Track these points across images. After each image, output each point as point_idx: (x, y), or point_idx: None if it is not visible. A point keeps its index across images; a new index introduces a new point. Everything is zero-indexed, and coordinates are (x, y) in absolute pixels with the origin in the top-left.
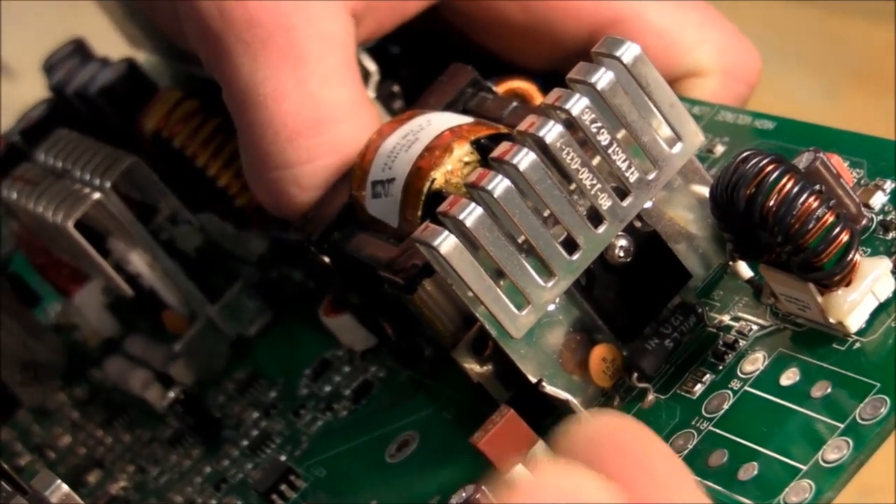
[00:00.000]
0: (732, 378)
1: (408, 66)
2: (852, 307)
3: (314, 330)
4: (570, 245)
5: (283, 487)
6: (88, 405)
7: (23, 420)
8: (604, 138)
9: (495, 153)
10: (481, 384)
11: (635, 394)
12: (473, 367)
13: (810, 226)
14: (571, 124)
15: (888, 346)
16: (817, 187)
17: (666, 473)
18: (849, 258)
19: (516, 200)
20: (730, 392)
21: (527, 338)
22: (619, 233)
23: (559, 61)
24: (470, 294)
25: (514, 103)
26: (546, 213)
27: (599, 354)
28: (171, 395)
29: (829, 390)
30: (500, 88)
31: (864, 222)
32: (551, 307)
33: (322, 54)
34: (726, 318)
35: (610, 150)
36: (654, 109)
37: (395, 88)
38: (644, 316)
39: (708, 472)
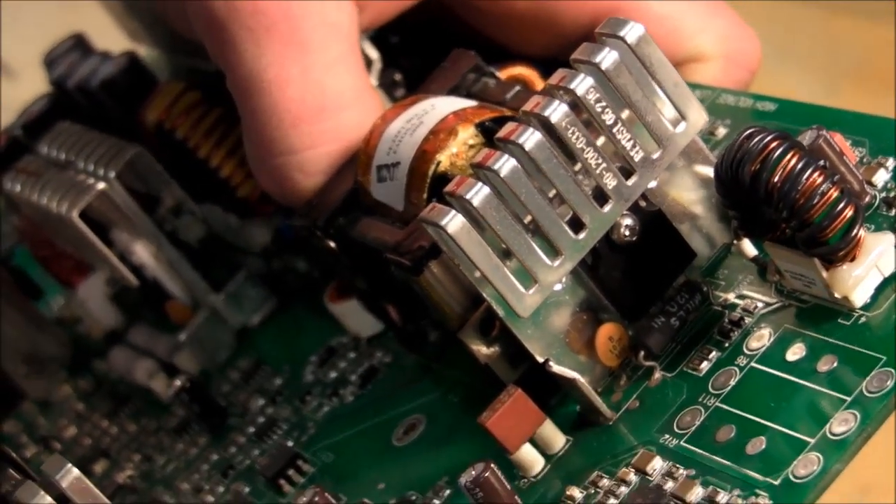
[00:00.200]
0: (739, 355)
1: (408, 55)
2: (857, 282)
3: (318, 318)
4: (576, 224)
5: (291, 472)
6: (93, 396)
7: (28, 412)
8: (608, 118)
9: (501, 133)
10: (488, 365)
11: (642, 372)
12: (480, 348)
13: (815, 201)
14: (576, 104)
15: (893, 320)
16: (821, 163)
17: None
18: (853, 233)
19: (522, 180)
20: (736, 368)
21: (533, 318)
22: (625, 212)
23: (560, 49)
24: (477, 274)
25: (517, 87)
26: (552, 194)
27: (606, 333)
28: (177, 383)
29: (835, 364)
30: (502, 75)
31: (867, 199)
32: (558, 287)
33: (326, 42)
34: (731, 296)
35: (615, 130)
36: (658, 89)
37: (397, 77)
38: (650, 295)
39: (716, 447)
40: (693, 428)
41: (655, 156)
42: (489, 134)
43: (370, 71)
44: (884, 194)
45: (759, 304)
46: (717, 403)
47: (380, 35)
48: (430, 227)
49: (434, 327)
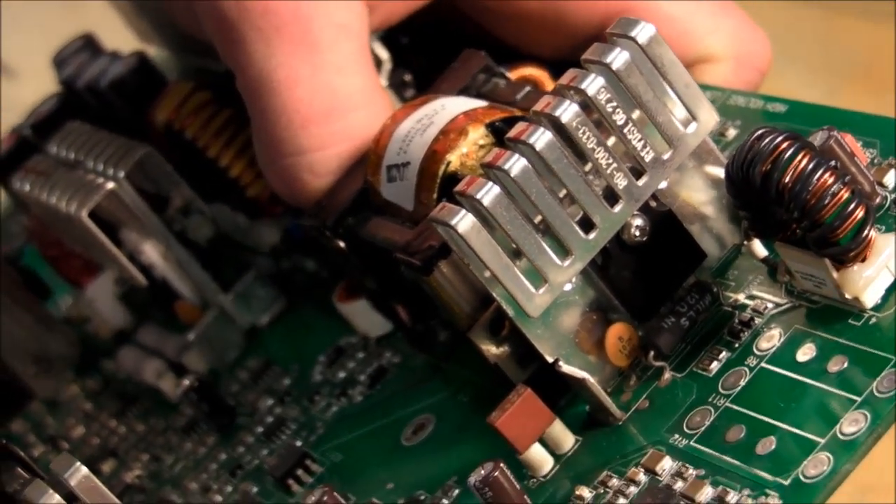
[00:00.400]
0: (749, 355)
1: (418, 56)
2: (868, 283)
3: (327, 318)
4: (587, 224)
5: (300, 472)
6: (101, 396)
7: (36, 412)
8: (619, 118)
9: (512, 133)
10: (498, 365)
11: (651, 372)
12: (490, 348)
13: (826, 201)
14: (587, 105)
15: None
16: (832, 163)
17: None
18: (864, 234)
19: (533, 180)
20: (746, 369)
21: (543, 318)
22: (635, 212)
23: (571, 49)
24: (487, 274)
25: (528, 88)
26: (562, 194)
27: (616, 333)
28: (186, 383)
29: (845, 365)
30: (513, 75)
31: (878, 200)
32: (567, 287)
33: (336, 42)
34: (741, 297)
35: (625, 130)
36: (669, 90)
37: (407, 77)
38: (660, 295)
39: (726, 447)
40: (703, 428)
41: (666, 156)
42: (499, 134)
43: (380, 71)
44: (894, 195)
45: (770, 305)
46: (726, 404)
47: (390, 35)
48: (440, 226)
49: (443, 327)
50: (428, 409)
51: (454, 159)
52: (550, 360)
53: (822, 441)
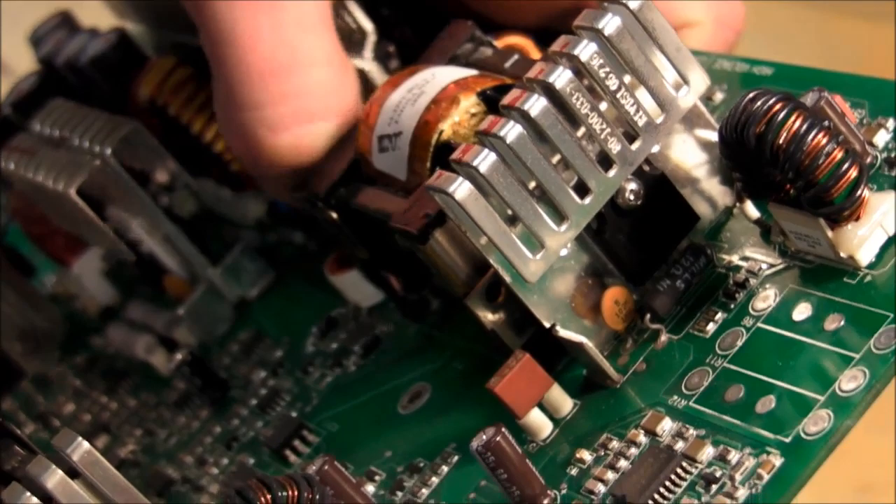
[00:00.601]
0: (745, 316)
1: (402, 27)
2: (862, 241)
3: (316, 289)
4: (582, 189)
5: (296, 443)
6: (90, 373)
7: (25, 389)
8: (612, 83)
9: (506, 100)
10: (494, 331)
11: (648, 335)
12: (486, 314)
13: (820, 161)
14: (579, 70)
15: None
16: (826, 124)
17: None
18: (858, 193)
19: (528, 146)
20: (743, 329)
21: (539, 283)
22: (629, 176)
23: (550, 19)
24: (484, 240)
25: (516, 56)
26: (556, 160)
27: (612, 297)
28: (178, 357)
29: (842, 323)
30: (498, 44)
31: (869, 160)
32: (563, 252)
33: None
34: (735, 259)
35: (618, 95)
36: (660, 54)
37: (391, 49)
38: (654, 258)
39: (725, 406)
40: (701, 389)
41: (659, 120)
42: (491, 102)
43: (365, 43)
44: (885, 154)
45: (764, 266)
46: (724, 364)
47: (371, 7)
48: (437, 194)
49: (436, 296)
50: (423, 378)
51: (447, 128)
52: (547, 325)
53: (822, 398)
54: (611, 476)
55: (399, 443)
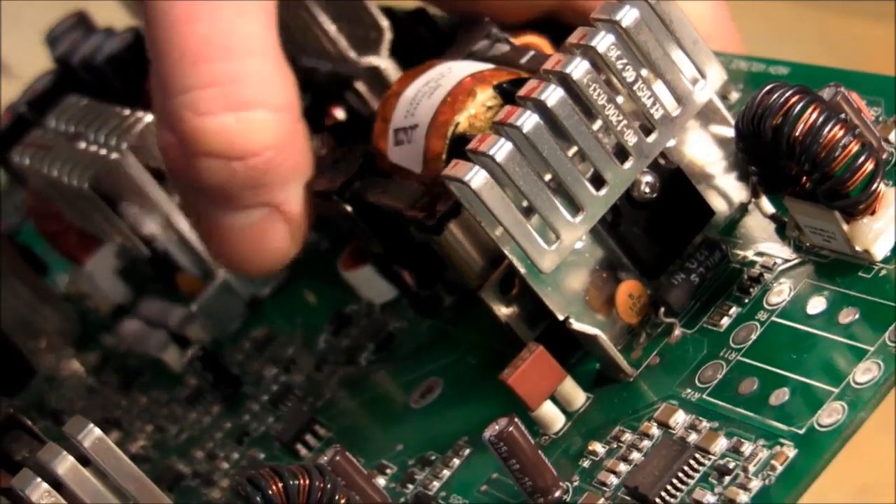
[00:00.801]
0: (759, 310)
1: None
2: (877, 235)
3: (329, 286)
4: (597, 181)
5: (308, 437)
6: (102, 370)
7: (37, 387)
8: (629, 75)
9: (523, 91)
10: (508, 324)
11: (662, 329)
12: (500, 307)
13: (836, 154)
14: (595, 63)
15: None
16: (842, 116)
17: None
18: (874, 186)
19: (544, 136)
20: (757, 323)
21: (554, 276)
22: (645, 169)
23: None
24: (499, 231)
25: (532, 52)
26: (572, 151)
27: (626, 291)
28: (190, 352)
29: (856, 316)
30: (514, 42)
31: (885, 156)
32: (578, 245)
33: None
34: (750, 254)
35: (635, 87)
36: (677, 48)
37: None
38: (669, 252)
39: (739, 399)
40: (715, 381)
41: (675, 113)
42: (507, 95)
43: (381, 41)
44: None
45: (778, 261)
46: (738, 357)
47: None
48: (452, 183)
49: (449, 292)
50: (436, 372)
51: (462, 120)
52: (561, 317)
53: (836, 390)
54: (623, 468)
55: (410, 437)
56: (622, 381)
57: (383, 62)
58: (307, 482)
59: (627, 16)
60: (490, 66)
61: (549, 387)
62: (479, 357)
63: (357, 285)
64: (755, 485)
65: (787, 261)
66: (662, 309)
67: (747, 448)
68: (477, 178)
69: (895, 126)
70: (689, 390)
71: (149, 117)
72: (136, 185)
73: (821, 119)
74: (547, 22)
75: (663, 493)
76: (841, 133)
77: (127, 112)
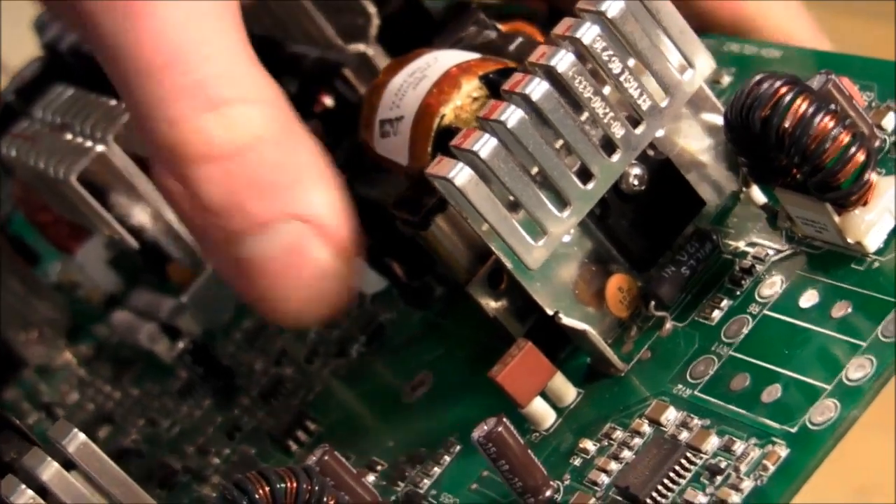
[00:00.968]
0: (751, 303)
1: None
2: (870, 227)
3: None
4: (584, 175)
5: (299, 432)
6: (94, 362)
7: (29, 379)
8: (615, 66)
9: (507, 84)
10: (497, 319)
11: (653, 323)
12: (489, 301)
13: (827, 145)
14: (581, 54)
15: None
16: (832, 107)
17: None
18: (865, 177)
19: (529, 131)
20: (749, 317)
21: (542, 270)
22: (633, 161)
23: None
24: (485, 227)
25: (520, 38)
26: (559, 145)
27: (616, 284)
28: (180, 345)
29: (849, 310)
30: (503, 29)
31: (877, 143)
32: (566, 238)
33: None
34: (742, 245)
35: (622, 78)
36: (664, 37)
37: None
38: (659, 245)
39: (730, 396)
40: (707, 377)
41: (663, 104)
42: (493, 86)
43: (369, 27)
44: (894, 138)
45: (770, 252)
46: (730, 352)
47: None
48: (437, 180)
49: (439, 283)
50: (426, 366)
51: (448, 112)
52: (550, 312)
53: (829, 387)
54: (614, 466)
55: (402, 432)
56: (613, 376)
57: (371, 49)
58: (294, 485)
59: (613, 6)
60: (476, 55)
61: (539, 383)
62: (470, 351)
63: None
64: (747, 485)
65: (779, 251)
66: (653, 302)
67: (739, 447)
68: (461, 175)
69: (888, 112)
70: (680, 386)
71: None
72: (123, 177)
73: (811, 110)
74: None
75: (654, 494)
76: (831, 124)
77: (113, 102)
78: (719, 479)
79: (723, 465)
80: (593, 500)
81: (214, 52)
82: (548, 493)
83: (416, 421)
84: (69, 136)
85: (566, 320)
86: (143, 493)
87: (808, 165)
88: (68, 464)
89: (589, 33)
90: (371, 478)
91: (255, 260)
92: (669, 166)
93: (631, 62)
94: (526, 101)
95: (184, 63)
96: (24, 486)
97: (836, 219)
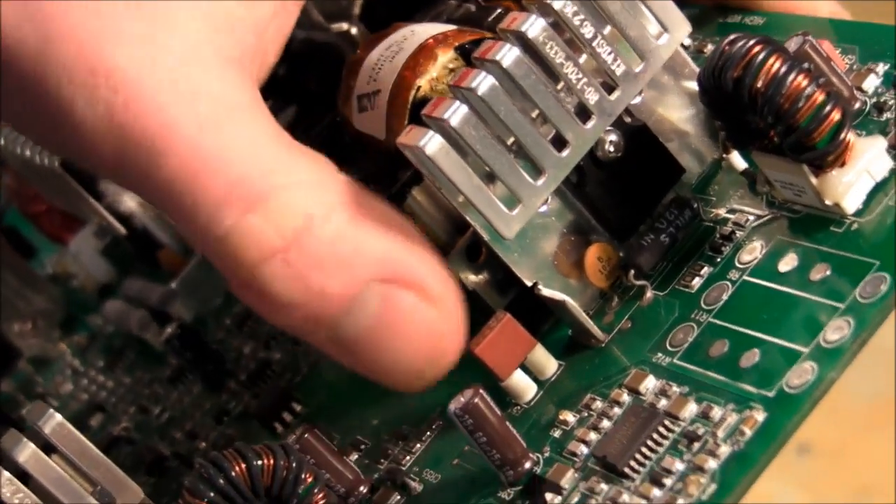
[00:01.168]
0: (731, 269)
1: None
2: (847, 188)
3: None
4: (560, 143)
5: (285, 414)
6: (88, 351)
7: (23, 370)
8: (587, 31)
9: (478, 52)
10: (476, 292)
11: (633, 292)
12: (468, 275)
13: (800, 104)
14: (556, 23)
15: (887, 225)
16: (805, 65)
17: None
18: (841, 137)
19: (501, 98)
20: (728, 283)
21: (520, 241)
22: (609, 128)
23: None
24: (460, 198)
25: (499, 9)
26: (534, 115)
27: (595, 254)
28: (168, 330)
29: (828, 273)
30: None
31: (857, 105)
32: (543, 208)
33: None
34: (722, 211)
35: (595, 44)
36: (639, 1)
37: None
38: (638, 213)
39: (709, 362)
40: (686, 345)
41: (638, 69)
42: (469, 57)
43: (352, 5)
44: (874, 99)
45: (751, 218)
46: (709, 319)
47: None
48: (407, 150)
49: None
50: None
51: (424, 84)
52: (529, 283)
53: (806, 350)
54: (593, 437)
55: (387, 411)
56: (594, 348)
57: (354, 28)
58: (271, 462)
59: None
60: (453, 27)
61: (519, 355)
62: None
63: None
64: (724, 450)
65: (759, 217)
66: (632, 271)
67: (717, 413)
68: (431, 143)
69: (869, 73)
70: (660, 354)
71: None
72: None
73: (783, 69)
74: None
75: (632, 462)
76: (805, 83)
77: None
78: (697, 445)
79: (700, 431)
80: (572, 471)
81: (236, 152)
82: (527, 465)
83: (401, 400)
84: None
85: (545, 291)
86: (122, 473)
87: (783, 125)
88: (47, 446)
89: None
90: (354, 456)
91: (356, 335)
92: (647, 133)
93: (606, 30)
94: (497, 68)
95: (212, 173)
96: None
97: (814, 180)
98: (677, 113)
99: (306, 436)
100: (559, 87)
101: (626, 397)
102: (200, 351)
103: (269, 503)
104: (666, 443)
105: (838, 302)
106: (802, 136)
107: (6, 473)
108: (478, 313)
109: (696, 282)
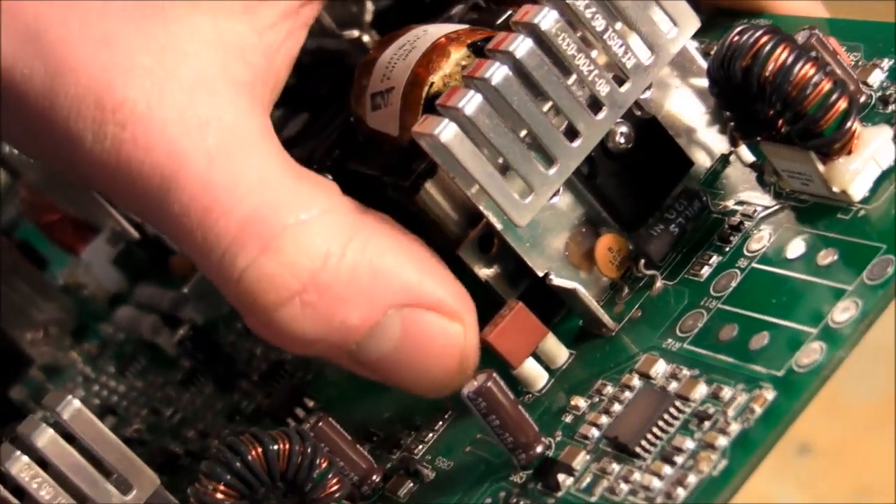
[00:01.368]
0: (739, 257)
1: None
2: (854, 175)
3: None
4: (571, 134)
5: (297, 409)
6: (99, 359)
7: (35, 378)
8: (599, 24)
9: (491, 44)
10: (489, 283)
11: (643, 282)
12: (480, 266)
13: (808, 92)
14: (565, 13)
15: (893, 212)
16: (813, 54)
17: None
18: (848, 125)
19: (514, 87)
20: (737, 270)
21: (532, 232)
22: (620, 120)
23: None
24: (474, 187)
25: (509, 11)
26: (546, 107)
27: (605, 244)
28: (181, 332)
29: (835, 257)
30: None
31: (863, 99)
32: (555, 199)
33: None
34: (731, 203)
35: (605, 37)
36: None
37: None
38: (648, 204)
39: (719, 346)
40: (695, 330)
41: (648, 62)
42: (482, 54)
43: (363, 12)
44: (880, 93)
45: (759, 208)
46: (718, 305)
47: None
48: (422, 139)
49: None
50: None
51: (437, 80)
52: (540, 273)
53: (815, 331)
54: (605, 420)
55: (398, 404)
56: (605, 336)
57: (366, 35)
58: (287, 446)
59: None
60: (465, 26)
61: (531, 343)
62: None
63: None
64: (734, 428)
65: (767, 208)
66: (642, 261)
67: (727, 393)
68: (446, 131)
69: (874, 69)
70: (670, 340)
71: None
72: None
73: (791, 57)
74: None
75: (643, 442)
76: (812, 71)
77: None
78: (707, 424)
79: (711, 411)
80: (584, 453)
81: (247, 187)
82: (539, 449)
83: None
84: None
85: (556, 280)
86: (139, 461)
87: (791, 112)
88: (64, 432)
89: None
90: (367, 447)
91: (379, 357)
92: (657, 126)
93: (618, 24)
94: (510, 59)
95: (223, 210)
96: (19, 453)
97: (821, 168)
98: (686, 109)
99: (320, 424)
100: (571, 79)
101: (636, 381)
102: (212, 352)
103: (284, 487)
104: (677, 423)
105: (845, 284)
106: (810, 123)
107: (25, 458)
108: (490, 305)
109: (706, 271)
